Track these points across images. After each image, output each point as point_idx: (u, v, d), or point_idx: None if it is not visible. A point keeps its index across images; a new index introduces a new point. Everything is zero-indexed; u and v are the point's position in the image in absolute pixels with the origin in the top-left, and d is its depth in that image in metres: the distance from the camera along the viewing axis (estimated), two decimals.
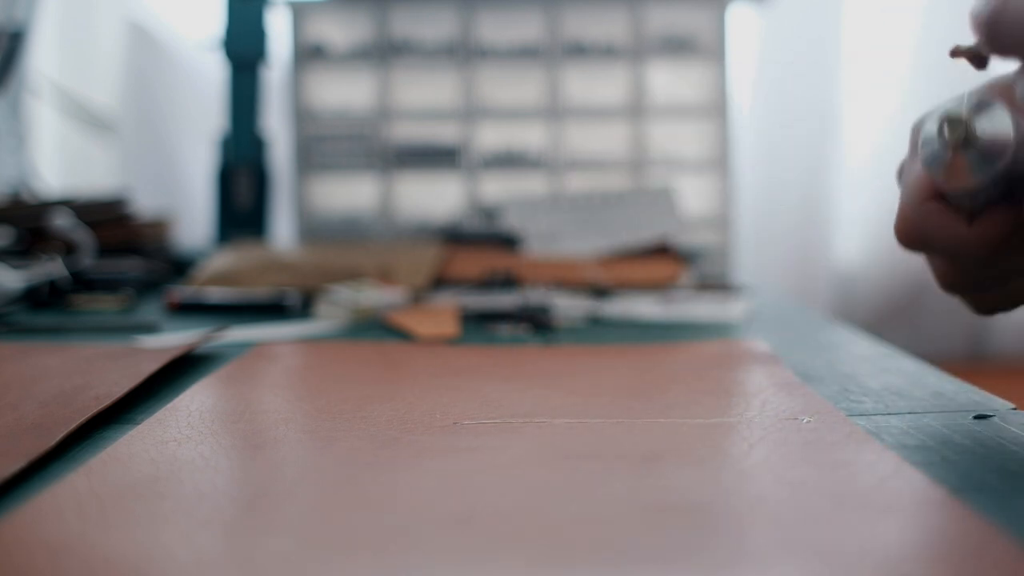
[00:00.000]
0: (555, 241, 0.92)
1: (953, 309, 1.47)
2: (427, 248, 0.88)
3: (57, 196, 0.98)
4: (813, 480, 0.32)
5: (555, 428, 0.39)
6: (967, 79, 0.38)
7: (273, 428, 0.39)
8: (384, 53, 1.03)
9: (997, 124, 0.34)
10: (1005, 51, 0.36)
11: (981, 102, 0.34)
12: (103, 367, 0.49)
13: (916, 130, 0.38)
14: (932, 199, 0.37)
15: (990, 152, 0.34)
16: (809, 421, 0.39)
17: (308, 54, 1.04)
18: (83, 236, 0.85)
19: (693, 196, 1.02)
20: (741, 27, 1.24)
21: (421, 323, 0.64)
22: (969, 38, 0.37)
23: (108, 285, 0.79)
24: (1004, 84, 0.36)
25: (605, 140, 1.04)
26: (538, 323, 0.66)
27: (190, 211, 1.32)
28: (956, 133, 0.34)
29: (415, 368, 0.51)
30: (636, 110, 1.03)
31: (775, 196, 1.45)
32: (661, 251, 0.89)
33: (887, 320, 1.45)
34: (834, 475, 0.32)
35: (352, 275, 0.76)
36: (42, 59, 1.27)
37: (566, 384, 0.47)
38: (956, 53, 0.38)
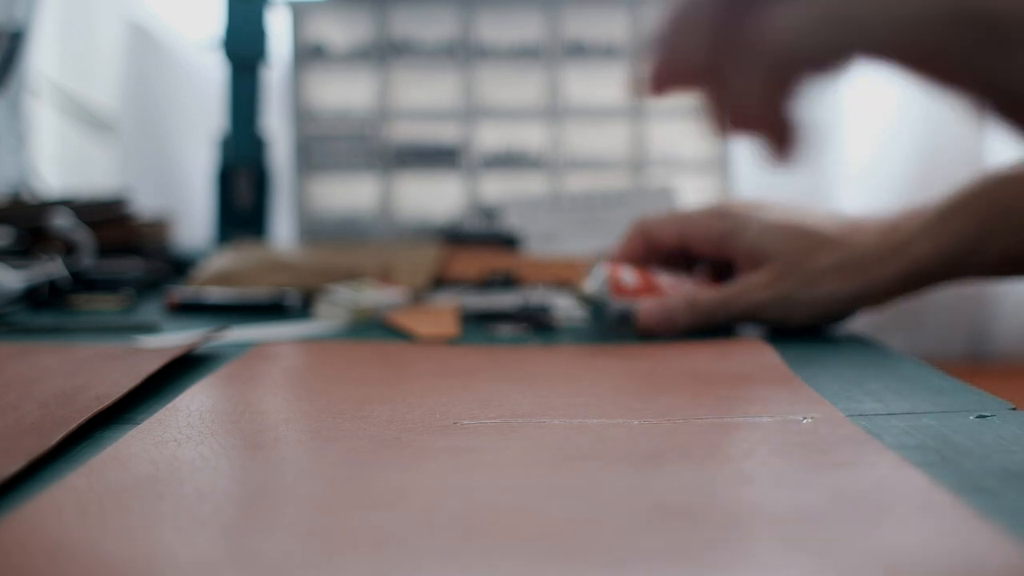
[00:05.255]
0: (555, 241, 0.92)
1: (953, 309, 1.47)
2: (427, 248, 0.88)
3: (57, 196, 0.98)
4: (813, 480, 0.32)
5: (555, 428, 0.39)
6: None
7: (273, 428, 0.39)
8: (384, 53, 1.03)
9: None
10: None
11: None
12: (103, 367, 0.49)
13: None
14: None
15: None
16: (809, 421, 0.39)
17: (308, 54, 1.04)
18: (83, 236, 0.85)
19: (693, 196, 1.02)
20: None
21: (421, 323, 0.64)
22: None
23: (108, 285, 0.79)
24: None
25: (605, 140, 1.03)
26: (538, 323, 0.66)
27: (190, 211, 1.32)
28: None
29: (415, 368, 0.51)
30: (636, 110, 1.03)
31: (775, 196, 1.45)
32: None
33: (887, 320, 1.45)
34: (834, 475, 0.32)
35: (352, 275, 0.76)
36: (42, 59, 1.27)
37: (566, 384, 0.47)
38: None
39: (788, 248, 0.59)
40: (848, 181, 1.45)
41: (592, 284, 0.61)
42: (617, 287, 0.60)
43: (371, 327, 0.66)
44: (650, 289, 0.61)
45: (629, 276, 0.61)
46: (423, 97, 1.04)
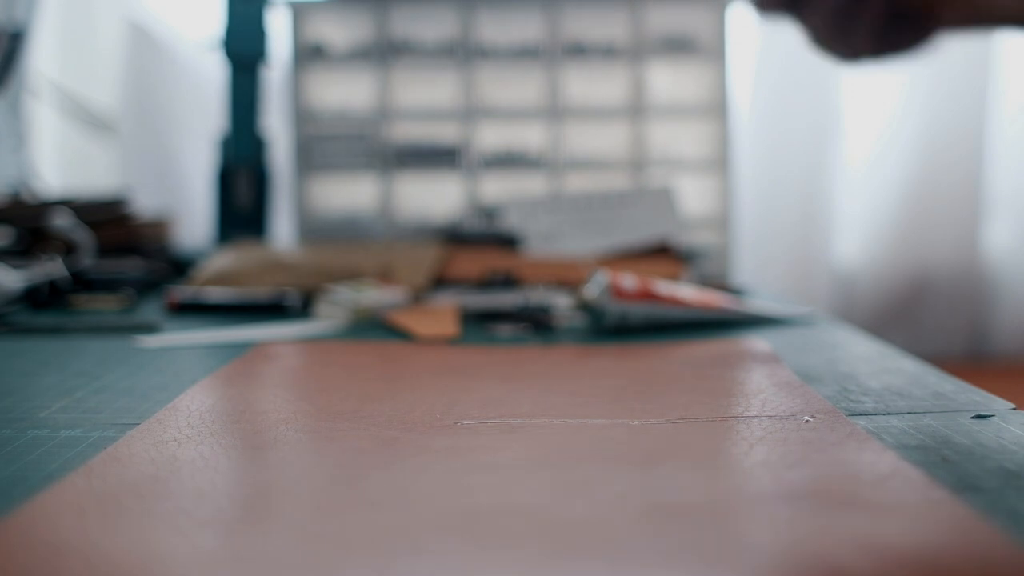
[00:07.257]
0: (555, 241, 0.92)
1: (953, 309, 1.47)
2: (427, 248, 0.88)
3: (57, 196, 0.98)
4: (813, 480, 0.32)
5: (555, 428, 0.39)
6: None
7: (273, 428, 0.39)
8: (384, 53, 1.03)
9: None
10: None
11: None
12: None
13: None
14: None
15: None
16: (809, 421, 0.39)
17: (308, 54, 1.04)
18: (83, 236, 0.85)
19: (693, 196, 1.02)
20: (741, 27, 1.24)
21: (421, 323, 0.64)
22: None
23: (108, 285, 0.79)
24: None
25: (605, 140, 1.03)
26: (538, 323, 0.66)
27: (190, 211, 1.32)
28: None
29: (415, 368, 0.51)
30: (636, 110, 1.03)
31: (775, 196, 1.45)
32: (661, 251, 0.89)
33: (887, 320, 1.45)
34: (834, 475, 0.32)
35: (352, 275, 0.76)
36: (42, 59, 1.27)
37: (566, 384, 0.47)
38: None
39: None
40: (848, 180, 1.45)
41: (593, 290, 0.62)
42: (617, 291, 0.61)
43: (371, 327, 0.66)
44: (648, 295, 0.62)
45: (628, 281, 0.62)
46: (423, 97, 1.04)
